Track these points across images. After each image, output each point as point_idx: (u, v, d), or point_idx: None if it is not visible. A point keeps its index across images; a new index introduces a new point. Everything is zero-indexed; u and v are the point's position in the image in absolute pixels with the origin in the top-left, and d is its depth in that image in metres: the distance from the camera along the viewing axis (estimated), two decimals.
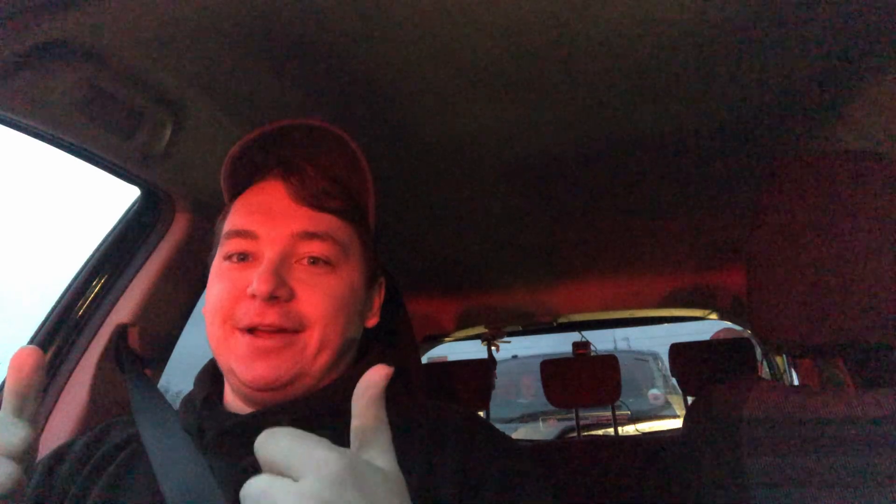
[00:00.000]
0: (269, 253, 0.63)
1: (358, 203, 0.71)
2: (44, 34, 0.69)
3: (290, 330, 0.61)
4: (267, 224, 0.65)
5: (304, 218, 0.65)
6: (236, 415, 0.64)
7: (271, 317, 0.60)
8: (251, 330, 0.61)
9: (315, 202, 0.66)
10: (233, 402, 0.67)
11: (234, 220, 0.67)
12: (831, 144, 1.14)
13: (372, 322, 0.73)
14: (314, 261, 0.64)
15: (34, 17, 0.67)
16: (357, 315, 0.68)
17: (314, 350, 0.62)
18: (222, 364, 0.64)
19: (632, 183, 1.36)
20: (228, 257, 0.65)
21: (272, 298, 0.60)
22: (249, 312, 0.61)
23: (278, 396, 0.63)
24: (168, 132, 0.91)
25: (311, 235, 0.64)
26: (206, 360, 0.73)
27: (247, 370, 0.61)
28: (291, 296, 0.62)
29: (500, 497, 0.58)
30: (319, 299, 0.63)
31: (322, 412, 0.63)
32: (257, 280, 0.60)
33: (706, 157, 1.23)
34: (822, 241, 0.64)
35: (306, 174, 0.67)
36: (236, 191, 0.70)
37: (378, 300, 0.75)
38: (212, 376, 0.71)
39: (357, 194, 0.70)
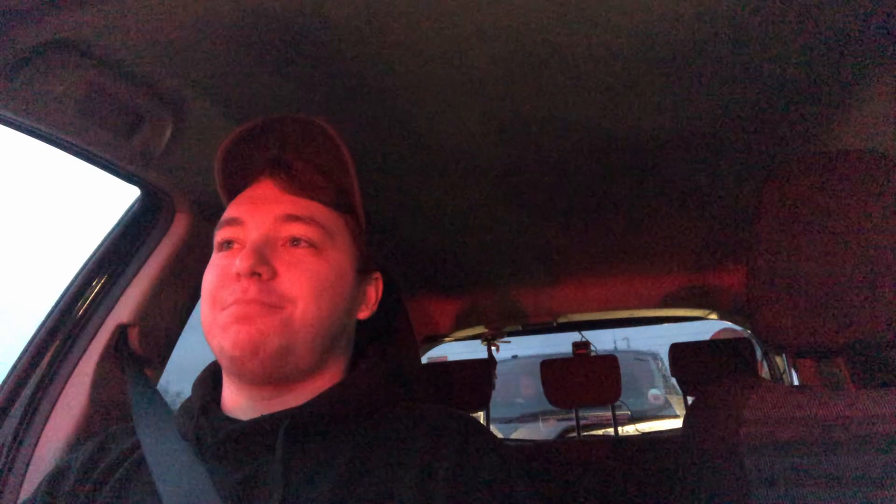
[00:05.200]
0: (252, 235, 0.64)
1: (344, 194, 0.71)
2: (44, 34, 0.69)
3: (270, 306, 0.61)
4: (252, 210, 0.66)
5: (288, 203, 0.66)
6: (234, 421, 0.64)
7: (253, 293, 0.61)
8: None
9: (301, 191, 0.67)
10: (231, 406, 0.67)
11: (225, 214, 0.69)
12: (831, 144, 1.14)
13: (364, 315, 0.73)
14: (297, 242, 0.65)
15: (34, 16, 0.67)
16: (345, 301, 0.68)
17: (298, 325, 0.62)
18: (213, 346, 0.64)
19: (632, 183, 1.36)
20: (219, 248, 0.67)
21: (254, 275, 0.61)
22: (235, 292, 0.61)
23: (265, 369, 0.62)
24: (168, 132, 0.91)
25: (294, 218, 0.65)
26: (203, 360, 0.73)
27: (229, 337, 0.60)
28: (274, 274, 0.62)
29: (491, 502, 0.58)
30: (301, 277, 0.63)
31: (319, 419, 0.63)
32: (239, 258, 0.61)
33: (707, 157, 1.23)
34: (823, 241, 0.64)
35: (294, 168, 0.69)
36: (231, 190, 0.71)
37: (373, 294, 0.75)
38: (210, 381, 0.71)
39: (343, 185, 0.71)
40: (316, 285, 0.64)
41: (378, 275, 0.76)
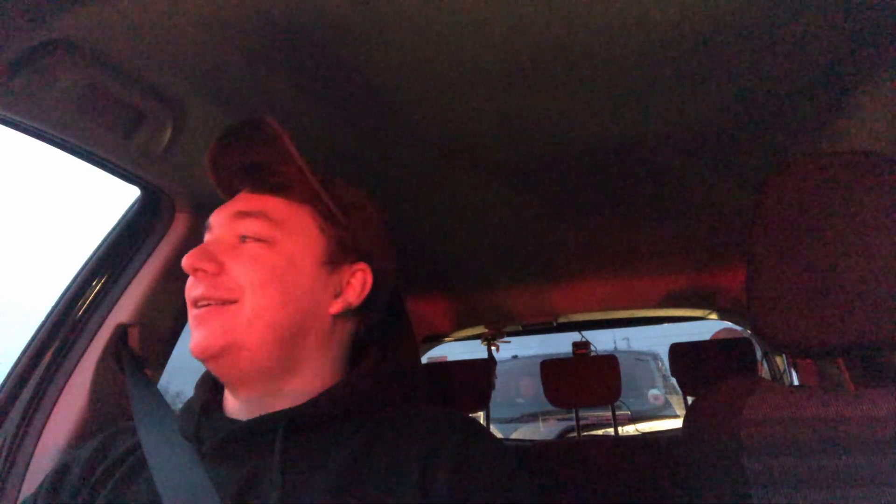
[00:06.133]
0: (208, 237, 0.68)
1: (298, 183, 0.70)
2: (44, 34, 0.69)
3: (218, 300, 0.63)
4: (217, 214, 0.70)
5: (243, 200, 0.69)
6: (234, 421, 0.64)
7: (200, 289, 0.63)
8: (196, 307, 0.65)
9: (261, 189, 0.70)
10: (231, 408, 0.67)
11: None
12: (831, 144, 1.14)
13: (337, 308, 0.69)
14: (245, 239, 0.66)
15: (34, 16, 0.67)
16: (301, 293, 0.66)
17: (246, 319, 0.63)
18: None
19: (632, 182, 1.36)
20: None
21: (197, 271, 0.64)
22: (189, 289, 0.65)
23: (223, 369, 0.64)
24: (168, 132, 0.91)
25: (242, 214, 0.67)
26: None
27: (192, 341, 0.64)
28: (220, 269, 0.64)
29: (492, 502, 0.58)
30: (247, 269, 0.64)
31: (319, 418, 0.63)
32: (184, 257, 0.64)
33: (706, 156, 1.23)
34: (823, 241, 0.64)
35: (256, 168, 0.72)
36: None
37: (356, 286, 0.71)
38: (212, 383, 0.71)
39: (292, 175, 0.70)
40: (264, 276, 0.64)
41: (363, 265, 0.72)
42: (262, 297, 0.63)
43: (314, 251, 0.68)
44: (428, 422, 0.65)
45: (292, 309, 0.65)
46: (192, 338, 0.63)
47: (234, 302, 0.63)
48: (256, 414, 0.63)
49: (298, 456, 0.60)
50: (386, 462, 0.60)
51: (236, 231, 0.67)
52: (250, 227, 0.66)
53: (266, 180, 0.70)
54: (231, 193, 0.73)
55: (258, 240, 0.66)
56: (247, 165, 0.73)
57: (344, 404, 0.65)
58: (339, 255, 0.70)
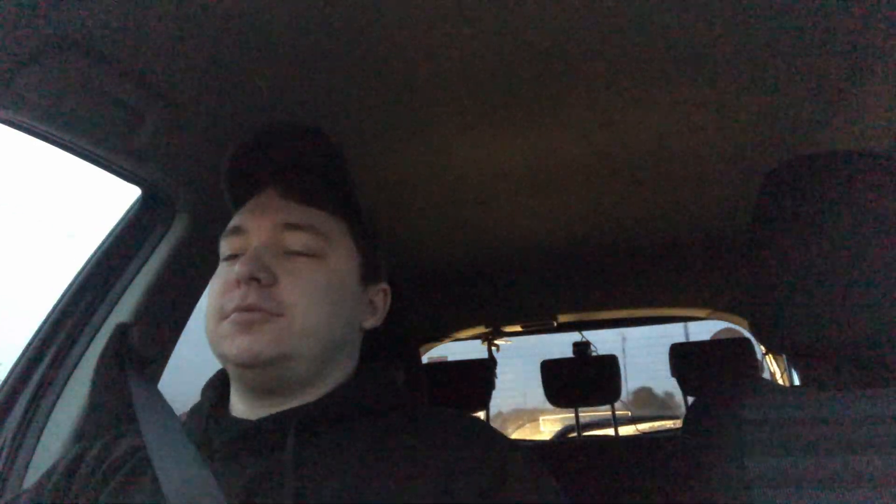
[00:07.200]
0: (254, 242, 0.65)
1: (345, 199, 0.71)
2: (44, 34, 0.69)
3: (270, 311, 0.61)
4: (254, 219, 0.67)
5: (288, 211, 0.67)
6: (242, 421, 0.64)
7: (252, 297, 0.61)
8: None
9: (302, 199, 0.68)
10: (239, 408, 0.67)
11: (229, 224, 0.69)
12: (831, 144, 1.15)
13: (369, 324, 0.73)
14: (297, 251, 0.65)
15: (34, 16, 0.67)
16: (345, 309, 0.68)
17: (297, 332, 0.62)
18: (217, 354, 0.65)
19: (632, 183, 1.36)
20: (223, 257, 0.68)
21: (252, 280, 0.61)
22: (234, 298, 0.62)
23: (267, 378, 0.63)
24: (168, 131, 0.91)
25: (294, 227, 0.66)
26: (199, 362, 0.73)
27: (231, 345, 0.61)
28: (274, 281, 0.62)
29: None
30: (301, 286, 0.63)
31: (328, 418, 0.63)
32: (238, 264, 0.62)
33: (705, 157, 1.23)
34: (823, 241, 0.64)
35: (295, 176, 0.69)
36: (238, 201, 0.72)
37: (381, 304, 0.75)
38: (220, 385, 0.71)
39: (343, 191, 0.71)
40: (315, 293, 0.64)
41: (386, 287, 0.76)
42: (313, 314, 0.63)
43: (354, 268, 0.70)
44: (444, 425, 0.64)
45: (337, 325, 0.66)
46: (238, 342, 0.60)
47: (282, 315, 0.62)
48: (265, 414, 0.63)
49: (311, 452, 0.60)
50: (401, 463, 0.60)
51: (285, 242, 0.65)
52: (302, 241, 0.65)
53: (309, 190, 0.69)
54: (240, 193, 0.72)
55: (310, 253, 0.65)
56: (284, 169, 0.70)
57: (355, 402, 0.65)
58: (370, 273, 0.72)
